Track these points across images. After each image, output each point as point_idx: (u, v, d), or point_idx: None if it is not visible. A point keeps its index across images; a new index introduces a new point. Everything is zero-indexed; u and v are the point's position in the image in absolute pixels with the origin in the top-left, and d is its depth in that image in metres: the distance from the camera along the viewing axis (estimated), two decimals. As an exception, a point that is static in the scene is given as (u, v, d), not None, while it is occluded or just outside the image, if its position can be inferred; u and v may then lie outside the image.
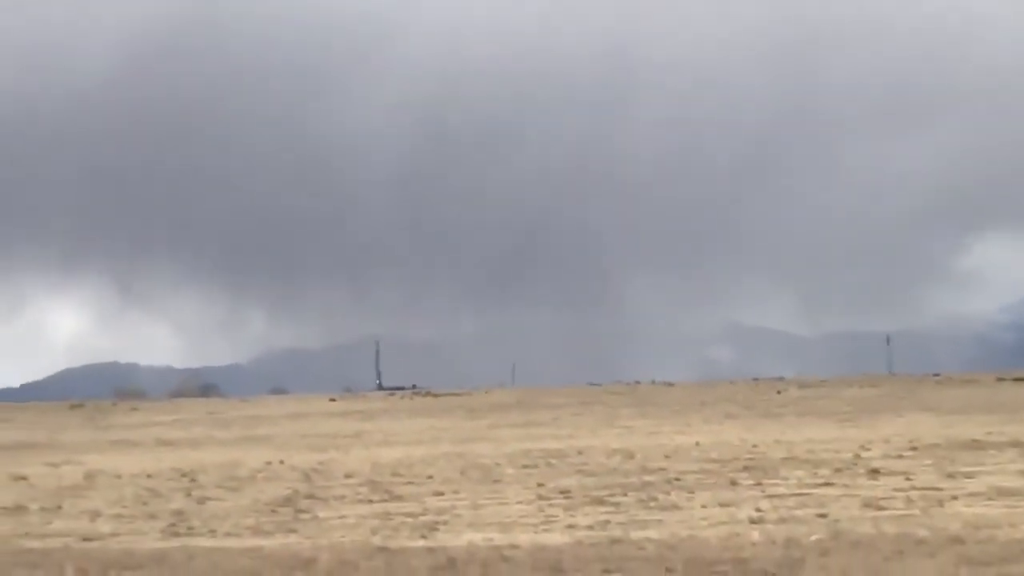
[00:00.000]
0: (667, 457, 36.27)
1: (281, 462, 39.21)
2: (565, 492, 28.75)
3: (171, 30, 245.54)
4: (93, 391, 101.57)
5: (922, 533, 21.49)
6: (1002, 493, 26.16)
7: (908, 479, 29.05)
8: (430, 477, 33.16)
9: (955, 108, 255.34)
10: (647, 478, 31.09)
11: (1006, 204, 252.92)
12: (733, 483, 29.45)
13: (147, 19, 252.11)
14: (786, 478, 30.14)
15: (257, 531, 24.95)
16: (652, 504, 26.38)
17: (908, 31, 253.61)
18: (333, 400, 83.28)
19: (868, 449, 36.69)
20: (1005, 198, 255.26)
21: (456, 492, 29.69)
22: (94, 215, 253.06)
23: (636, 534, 22.51)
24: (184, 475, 36.12)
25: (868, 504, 25.22)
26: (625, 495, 27.89)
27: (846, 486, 28.32)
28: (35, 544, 24.45)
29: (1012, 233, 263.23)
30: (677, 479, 30.61)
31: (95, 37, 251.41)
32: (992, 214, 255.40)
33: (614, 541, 21.84)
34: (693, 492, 28.07)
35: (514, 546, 21.75)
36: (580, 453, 38.70)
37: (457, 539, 22.81)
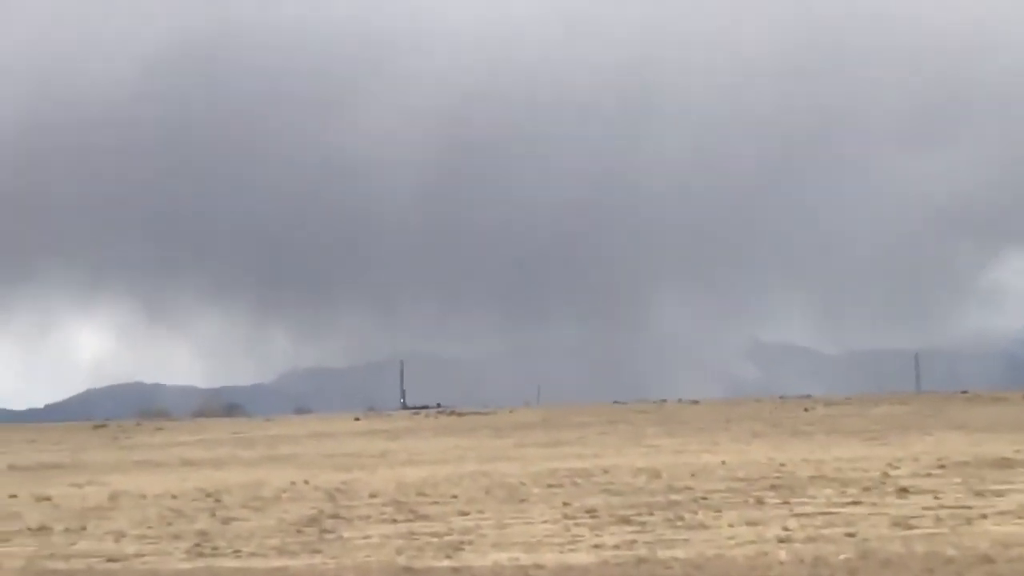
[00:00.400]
0: (694, 476, 36.07)
1: (306, 482, 39.10)
2: (591, 511, 28.59)
3: (193, 46, 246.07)
4: (117, 411, 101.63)
5: (951, 552, 21.31)
6: (1032, 512, 25.95)
7: (937, 497, 28.83)
8: (455, 496, 33.03)
9: (980, 123, 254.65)
10: (673, 497, 30.91)
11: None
12: (760, 502, 29.26)
13: (170, 34, 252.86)
14: (814, 497, 29.94)
15: (282, 551, 24.86)
16: (679, 523, 26.21)
17: (932, 47, 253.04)
18: (357, 419, 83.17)
19: (896, 467, 36.46)
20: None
21: (481, 512, 29.55)
22: (118, 235, 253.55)
23: (663, 553, 22.36)
24: (208, 495, 36.03)
25: (897, 523, 25.03)
26: (651, 514, 27.72)
27: (874, 504, 28.12)
28: (60, 565, 24.40)
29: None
30: (704, 498, 30.43)
31: (118, 53, 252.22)
32: (1019, 229, 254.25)
33: (641, 561, 21.70)
34: (720, 511, 27.88)
35: (540, 566, 21.63)
36: (606, 472, 38.52)
37: (482, 559, 22.70)
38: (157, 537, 27.74)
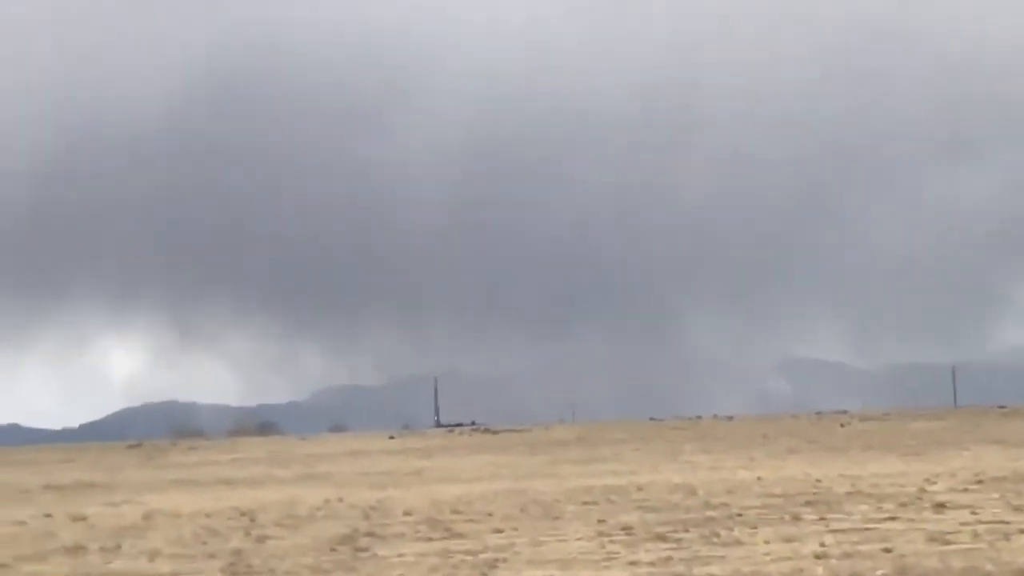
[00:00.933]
0: (729, 492, 35.93)
1: (340, 500, 39.09)
2: (627, 528, 28.49)
3: (225, 64, 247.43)
4: (152, 430, 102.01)
5: (989, 567, 21.15)
6: (1071, 526, 25.76)
7: (974, 513, 28.64)
8: (490, 514, 32.95)
9: (1013, 138, 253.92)
10: (709, 514, 30.79)
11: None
12: (796, 518, 29.12)
13: (203, 52, 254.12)
14: (850, 513, 29.79)
15: (316, 570, 24.81)
16: (715, 540, 26.08)
17: (965, 64, 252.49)
18: (392, 437, 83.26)
19: (933, 483, 36.27)
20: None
21: (516, 529, 29.47)
22: (150, 253, 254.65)
23: (699, 571, 22.25)
24: (243, 514, 36.04)
25: (934, 538, 24.86)
26: (687, 531, 27.60)
27: (911, 520, 27.95)
28: (94, 584, 24.39)
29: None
30: (740, 514, 30.30)
31: (150, 71, 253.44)
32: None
33: (677, 578, 21.60)
34: (756, 528, 27.75)
35: (575, 584, 21.53)
36: (641, 489, 38.41)
37: (517, 577, 22.63)
38: (192, 556, 27.73)
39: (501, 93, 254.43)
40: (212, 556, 27.51)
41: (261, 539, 29.98)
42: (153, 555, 28.10)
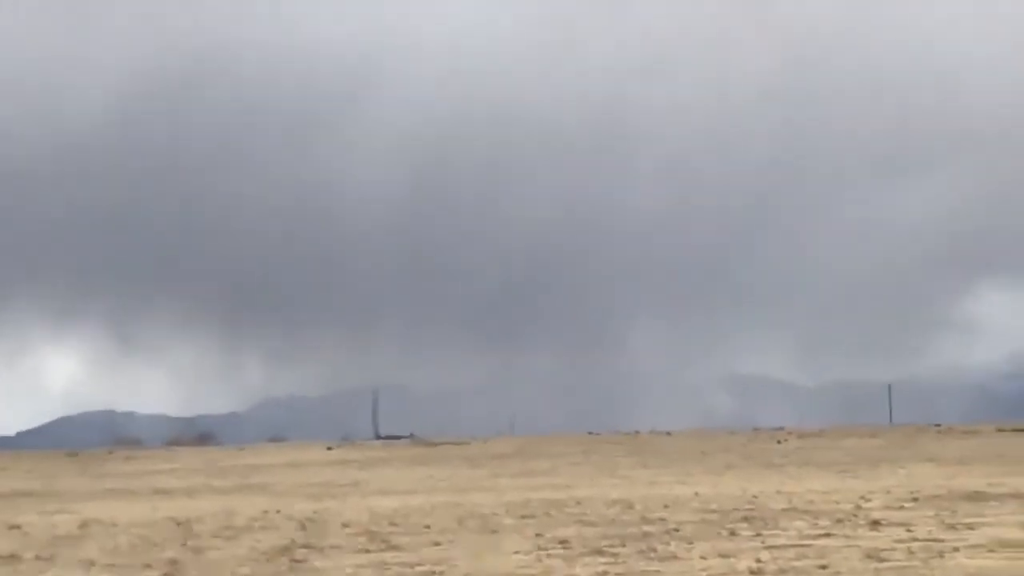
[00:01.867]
0: (666, 507, 36.06)
1: (278, 511, 38.99)
2: (564, 542, 28.55)
3: (166, 75, 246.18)
4: (89, 439, 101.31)
5: (924, 585, 21.31)
6: (1004, 545, 25.98)
7: (909, 530, 28.86)
8: (427, 527, 32.95)
9: (954, 156, 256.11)
10: (646, 528, 30.89)
11: (1007, 253, 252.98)
12: (733, 534, 29.26)
13: (143, 62, 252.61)
14: (786, 529, 29.95)
15: (252, 581, 24.74)
16: (651, 555, 26.18)
17: (906, 80, 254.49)
18: (330, 449, 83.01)
19: (869, 500, 36.51)
20: (1006, 246, 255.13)
21: (453, 542, 29.49)
22: (90, 262, 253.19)
23: (635, 585, 22.31)
24: (180, 524, 35.89)
25: (869, 555, 25.03)
26: (624, 545, 27.69)
27: (847, 537, 28.13)
28: (28, 594, 24.24)
29: (1014, 282, 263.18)
30: (676, 529, 30.42)
31: (91, 81, 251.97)
32: (993, 263, 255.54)
33: (613, 592, 21.65)
34: (692, 542, 27.86)
35: (511, 597, 21.56)
36: (579, 503, 38.50)
37: (454, 590, 22.63)
38: (127, 566, 27.61)
39: (449, 104, 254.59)
40: (148, 566, 27.39)
41: (198, 550, 29.87)
42: (88, 565, 27.95)
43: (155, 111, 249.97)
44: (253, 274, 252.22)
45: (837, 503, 35.74)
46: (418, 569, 25.33)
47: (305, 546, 29.71)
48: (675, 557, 25.77)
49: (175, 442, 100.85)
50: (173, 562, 27.76)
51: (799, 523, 31.00)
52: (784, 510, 34.31)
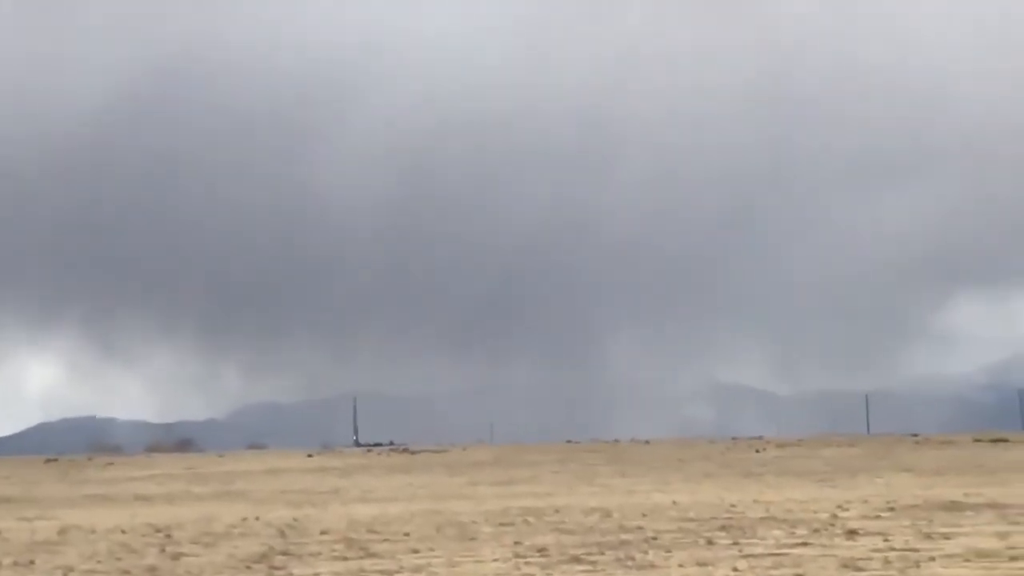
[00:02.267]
0: (645, 516, 36.17)
1: (257, 518, 39.02)
2: (542, 550, 28.64)
3: (150, 81, 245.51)
4: (69, 445, 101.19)
5: (899, 594, 21.43)
6: (979, 555, 26.12)
7: (886, 540, 28.99)
8: (406, 534, 33.03)
9: (933, 168, 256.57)
10: (624, 537, 30.99)
11: (984, 264, 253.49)
12: (710, 542, 29.37)
13: (127, 68, 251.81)
14: (763, 538, 30.06)
15: (231, 588, 24.80)
16: (629, 563, 26.28)
17: (886, 91, 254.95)
18: (310, 456, 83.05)
19: (846, 509, 36.65)
20: (984, 258, 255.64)
21: (432, 549, 29.56)
22: (70, 267, 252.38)
23: (612, 593, 22.41)
24: (159, 531, 35.92)
25: (846, 565, 25.15)
26: (602, 554, 27.79)
27: (824, 546, 28.25)
28: (7, 599, 24.26)
29: (991, 293, 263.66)
30: (654, 538, 30.52)
31: (75, 84, 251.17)
32: (971, 274, 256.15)
33: (590, 600, 21.74)
34: (670, 551, 27.97)
35: (490, 605, 21.64)
36: (558, 511, 38.58)
37: (432, 597, 22.71)
38: (106, 572, 27.64)
39: (432, 111, 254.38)
40: (127, 572, 27.43)
41: (176, 556, 29.91)
42: (67, 571, 27.97)
43: (136, 116, 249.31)
44: (234, 281, 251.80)
45: (815, 512, 35.88)
46: (397, 576, 25.40)
47: (284, 553, 29.76)
48: (653, 565, 25.88)
49: (155, 448, 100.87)
50: (152, 568, 27.80)
51: (776, 532, 31.13)
52: (762, 519, 34.44)
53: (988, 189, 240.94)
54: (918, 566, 24.86)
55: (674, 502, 40.68)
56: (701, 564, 25.80)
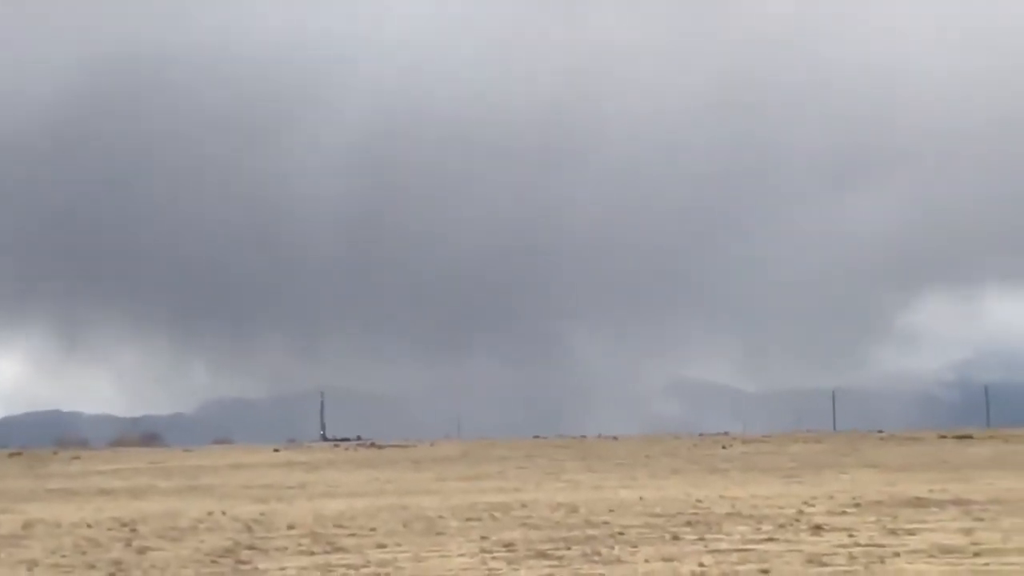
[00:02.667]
0: (611, 511, 36.23)
1: (223, 513, 38.94)
2: (509, 545, 28.67)
3: (112, 72, 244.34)
4: (35, 439, 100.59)
5: (864, 589, 21.51)
6: (944, 551, 26.25)
7: (851, 535, 29.10)
8: (373, 529, 33.01)
9: (899, 168, 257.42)
10: (591, 532, 31.04)
11: (950, 262, 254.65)
12: (676, 538, 29.44)
13: (88, 66, 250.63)
14: (729, 533, 30.15)
15: (197, 582, 24.75)
16: (595, 558, 26.33)
17: (853, 92, 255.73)
18: (277, 450, 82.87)
19: (811, 505, 36.77)
20: (950, 256, 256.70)
21: (399, 544, 29.56)
22: (36, 262, 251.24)
23: (579, 588, 22.44)
24: (124, 525, 35.82)
25: (811, 560, 25.25)
26: (569, 549, 27.83)
27: (789, 542, 28.35)
28: (-29, 593, 24.17)
29: (956, 291, 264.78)
30: (621, 533, 30.58)
31: (36, 79, 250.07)
32: (937, 272, 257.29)
33: (556, 595, 21.76)
34: (637, 546, 28.03)
35: (456, 599, 21.64)
36: (524, 506, 38.62)
37: (398, 592, 22.70)
38: (71, 566, 27.56)
39: (397, 108, 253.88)
40: (92, 567, 27.36)
41: (142, 550, 29.84)
42: (31, 565, 27.88)
43: (101, 113, 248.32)
44: (200, 275, 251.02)
45: (780, 508, 35.99)
46: (363, 571, 25.40)
47: (250, 547, 29.72)
48: (619, 561, 25.94)
49: (120, 443, 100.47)
50: (117, 563, 27.73)
51: (742, 528, 31.22)
52: (728, 515, 34.53)
53: (954, 188, 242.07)
54: (883, 562, 24.98)
55: (640, 498, 40.76)
56: (667, 559, 25.87)
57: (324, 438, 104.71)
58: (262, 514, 38.25)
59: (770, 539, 28.83)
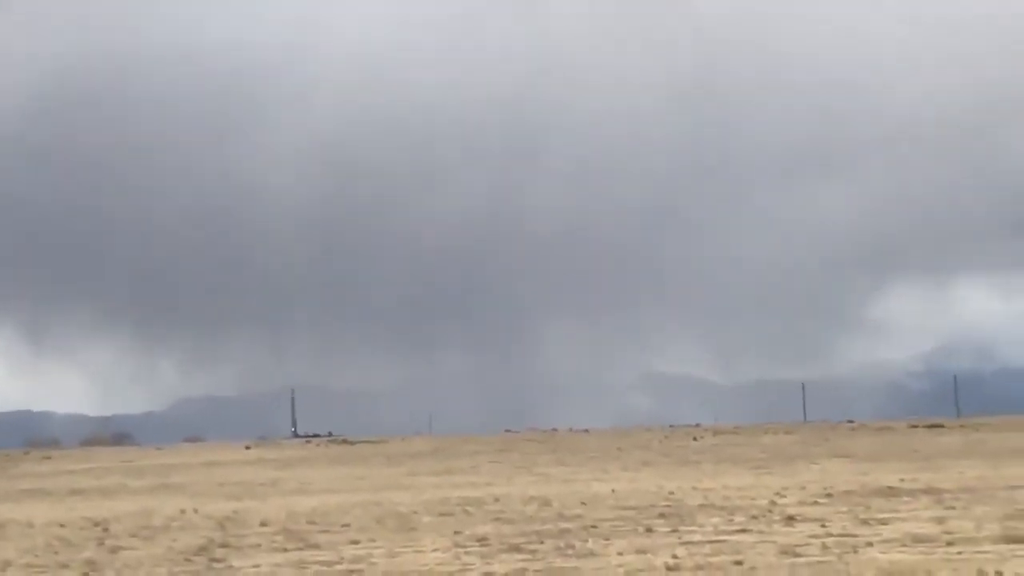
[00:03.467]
0: (584, 504, 36.25)
1: (195, 511, 38.86)
2: (482, 540, 28.65)
3: (78, 73, 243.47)
4: (5, 440, 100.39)
5: (837, 579, 21.55)
6: (916, 539, 26.31)
7: (823, 526, 29.16)
8: (346, 525, 32.97)
9: (865, 159, 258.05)
10: (564, 525, 31.05)
11: (918, 253, 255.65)
12: (649, 530, 29.46)
13: (53, 60, 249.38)
14: (702, 525, 30.19)
15: (171, 580, 24.69)
16: (569, 552, 26.33)
17: (820, 82, 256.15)
18: (248, 448, 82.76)
19: (784, 496, 36.84)
20: (917, 247, 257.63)
21: (372, 540, 29.53)
22: (5, 263, 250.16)
23: (553, 582, 22.44)
24: (96, 524, 35.71)
25: (784, 551, 25.28)
26: (542, 542, 27.83)
27: (762, 533, 28.40)
28: (-57, 595, 24.08)
29: (925, 282, 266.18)
30: (594, 526, 30.59)
31: (2, 80, 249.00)
32: (904, 263, 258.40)
33: (531, 589, 21.77)
34: (610, 539, 28.05)
35: (430, 594, 21.63)
36: (497, 500, 38.62)
37: (373, 587, 22.67)
38: (44, 566, 27.46)
39: (360, 105, 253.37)
40: (65, 566, 27.27)
41: (115, 549, 29.76)
42: (5, 565, 27.77)
43: (68, 112, 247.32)
44: (169, 274, 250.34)
45: (753, 499, 36.06)
46: (337, 568, 25.36)
47: (223, 545, 29.66)
48: (593, 554, 25.94)
49: (92, 442, 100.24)
50: (90, 562, 27.64)
51: (715, 519, 31.27)
52: (700, 506, 34.59)
53: (920, 180, 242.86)
54: (856, 551, 25.02)
55: (613, 490, 40.79)
56: (640, 552, 25.88)
57: (296, 435, 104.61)
58: (235, 512, 38.18)
59: (743, 530, 28.88)
